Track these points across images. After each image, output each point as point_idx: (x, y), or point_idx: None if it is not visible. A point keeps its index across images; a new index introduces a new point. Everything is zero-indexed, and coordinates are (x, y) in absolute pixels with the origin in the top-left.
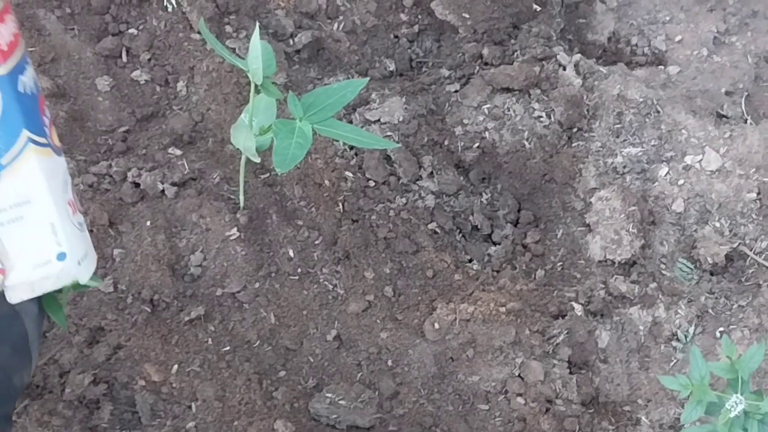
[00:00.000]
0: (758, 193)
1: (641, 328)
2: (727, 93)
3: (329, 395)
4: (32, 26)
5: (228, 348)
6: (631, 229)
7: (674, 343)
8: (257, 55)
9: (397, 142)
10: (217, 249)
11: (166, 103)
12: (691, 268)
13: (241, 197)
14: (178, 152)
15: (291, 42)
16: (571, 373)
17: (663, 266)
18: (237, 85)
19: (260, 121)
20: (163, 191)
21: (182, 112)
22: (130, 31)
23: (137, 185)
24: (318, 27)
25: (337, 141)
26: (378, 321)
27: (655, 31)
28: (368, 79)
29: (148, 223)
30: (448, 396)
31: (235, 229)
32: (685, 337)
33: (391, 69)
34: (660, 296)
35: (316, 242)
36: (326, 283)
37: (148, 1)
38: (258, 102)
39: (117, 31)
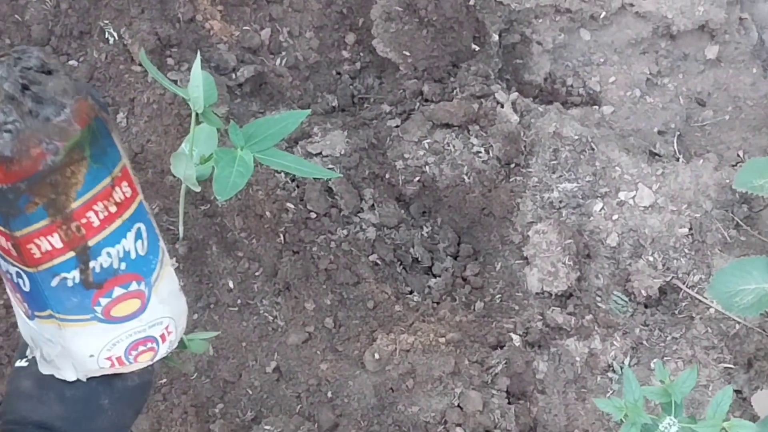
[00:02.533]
0: (690, 229)
1: (578, 359)
2: (659, 132)
3: (268, 428)
4: None
5: (164, 380)
6: (567, 262)
7: (610, 374)
8: (198, 84)
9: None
10: None
11: None
12: (625, 301)
13: (181, 228)
14: None
15: (233, 76)
16: (509, 403)
17: (598, 299)
18: (178, 116)
19: (201, 150)
20: None
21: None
22: (71, 62)
23: None
24: (260, 62)
25: (279, 173)
26: (318, 352)
27: (589, 73)
28: (310, 110)
29: None
30: (388, 427)
31: (174, 259)
32: (621, 368)
33: (333, 104)
34: (596, 328)
35: (257, 273)
36: (266, 314)
37: (89, 33)
38: (199, 131)
39: None
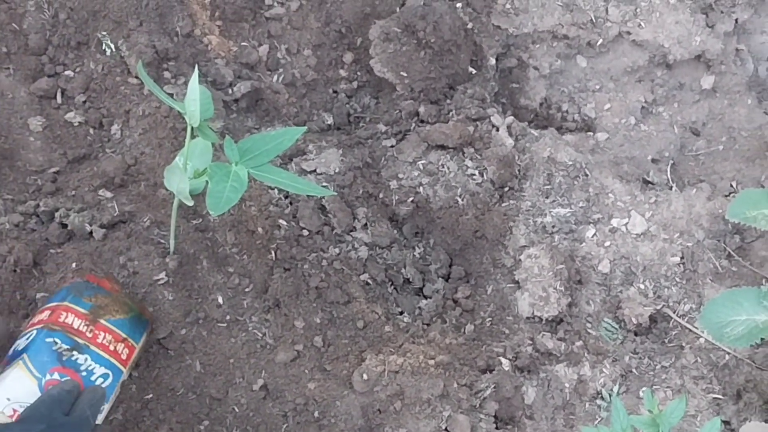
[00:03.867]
0: (681, 257)
1: (567, 385)
2: (653, 160)
3: None
4: None
5: (151, 396)
6: (558, 287)
7: (599, 402)
8: (195, 98)
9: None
10: (144, 293)
11: (99, 146)
12: (616, 328)
13: (172, 241)
14: (109, 194)
15: (230, 91)
16: (497, 428)
17: (589, 325)
18: (173, 130)
19: (195, 164)
20: (91, 233)
21: (115, 155)
22: (67, 72)
23: (64, 226)
24: (258, 78)
25: (272, 189)
26: (306, 371)
27: (585, 99)
28: (306, 128)
29: (74, 264)
30: None
31: (164, 273)
32: (610, 395)
33: (329, 122)
34: (585, 354)
35: (247, 290)
36: (255, 331)
37: (86, 44)
38: (194, 145)
39: (53, 73)
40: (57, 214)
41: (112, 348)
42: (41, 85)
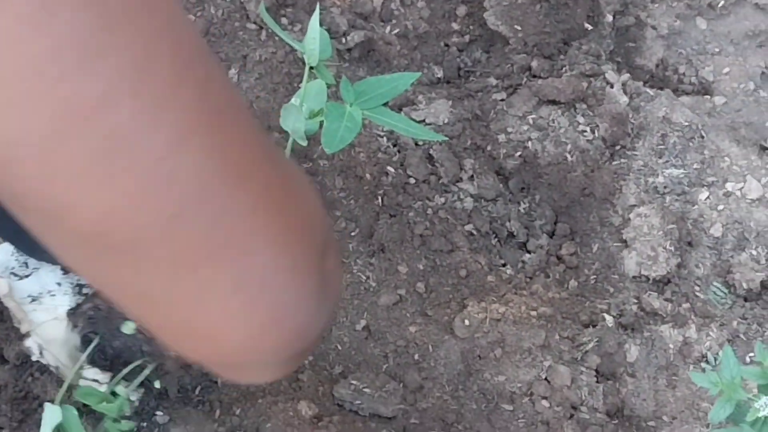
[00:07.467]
0: None
1: (671, 346)
2: None
3: (354, 383)
4: None
5: None
6: (668, 247)
7: (703, 365)
8: (315, 37)
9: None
10: None
11: None
12: (725, 293)
13: None
14: None
15: (343, 40)
16: (597, 381)
17: (697, 288)
18: (287, 75)
19: (311, 105)
20: None
21: None
22: (188, 17)
23: None
24: (371, 28)
25: (381, 137)
26: (408, 315)
27: (703, 62)
28: (420, 73)
29: None
30: (473, 394)
31: None
32: (715, 359)
33: (438, 76)
34: (692, 317)
35: (353, 234)
36: (359, 274)
37: None
38: (310, 86)
39: None
40: None
41: None
42: None
